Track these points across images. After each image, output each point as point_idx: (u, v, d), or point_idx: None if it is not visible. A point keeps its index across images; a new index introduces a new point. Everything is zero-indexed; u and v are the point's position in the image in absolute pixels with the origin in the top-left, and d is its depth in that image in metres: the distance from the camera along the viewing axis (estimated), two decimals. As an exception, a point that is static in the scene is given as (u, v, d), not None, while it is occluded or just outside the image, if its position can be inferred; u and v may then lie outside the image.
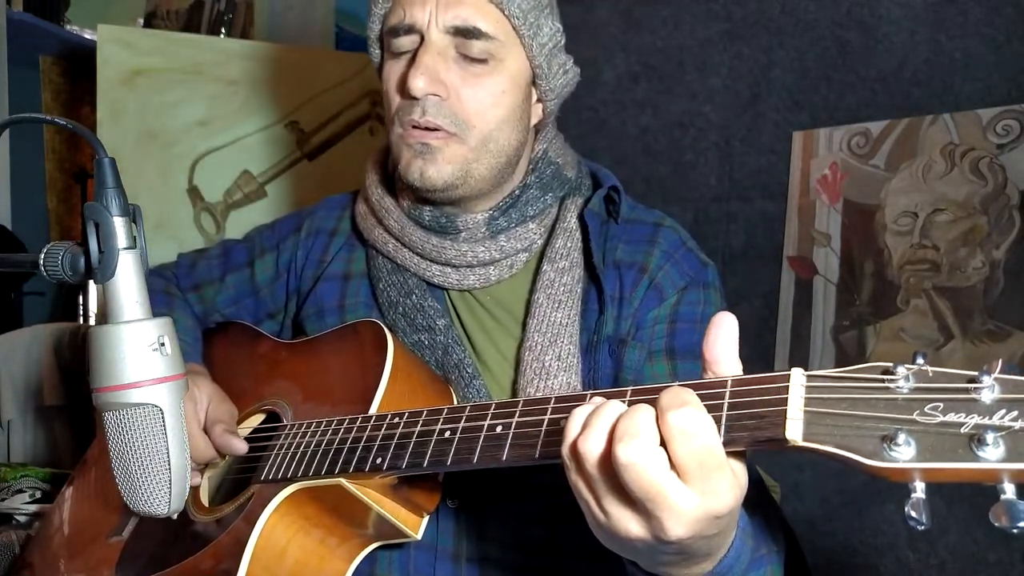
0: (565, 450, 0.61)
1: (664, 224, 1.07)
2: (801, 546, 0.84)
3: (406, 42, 0.96)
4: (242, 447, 0.95)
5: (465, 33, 0.94)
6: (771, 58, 1.96)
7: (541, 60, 1.00)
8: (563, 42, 1.04)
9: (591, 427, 0.59)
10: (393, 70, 0.99)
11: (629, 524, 0.58)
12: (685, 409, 0.55)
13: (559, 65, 1.03)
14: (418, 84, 0.93)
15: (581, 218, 1.04)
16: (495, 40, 0.95)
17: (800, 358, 1.90)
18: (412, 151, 0.97)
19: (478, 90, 0.96)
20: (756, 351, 1.96)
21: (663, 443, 0.56)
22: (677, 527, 0.56)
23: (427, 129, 0.95)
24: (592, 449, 0.58)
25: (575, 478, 0.61)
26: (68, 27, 2.55)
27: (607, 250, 1.03)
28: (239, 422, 1.03)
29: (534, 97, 1.03)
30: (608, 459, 0.57)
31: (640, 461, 0.55)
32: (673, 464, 0.56)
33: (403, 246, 1.05)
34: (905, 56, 1.78)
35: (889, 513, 1.69)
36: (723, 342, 0.63)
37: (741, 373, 0.62)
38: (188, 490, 0.69)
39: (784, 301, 1.93)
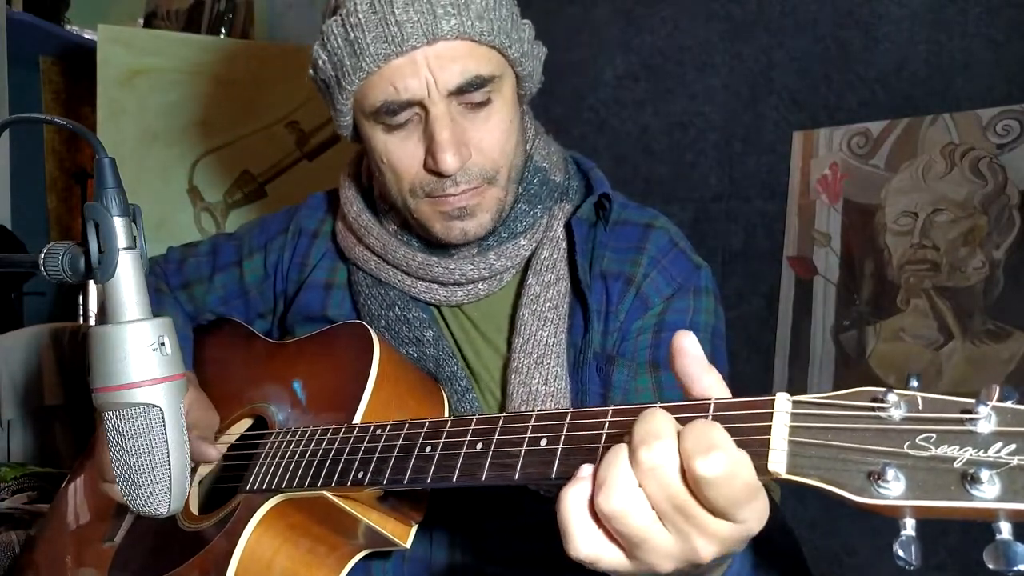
0: (579, 511, 0.55)
1: (655, 225, 1.02)
2: (801, 546, 0.83)
3: (404, 116, 0.90)
4: (213, 453, 0.93)
5: (467, 87, 0.89)
6: (771, 58, 1.96)
7: (527, 66, 0.96)
8: (531, 27, 0.98)
9: (612, 482, 0.53)
10: (394, 145, 0.93)
11: (662, 563, 0.54)
12: (715, 455, 0.50)
13: (536, 58, 0.99)
14: (452, 164, 0.88)
15: (568, 226, 1.00)
16: (495, 78, 0.91)
17: (800, 358, 1.90)
18: (448, 216, 0.94)
19: (493, 133, 0.92)
20: (756, 351, 1.96)
21: (689, 486, 0.51)
22: (709, 549, 0.53)
23: (462, 193, 0.92)
24: (625, 505, 0.53)
25: (596, 543, 0.55)
26: (68, 27, 2.55)
27: (594, 259, 0.99)
28: (227, 427, 1.02)
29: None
30: (645, 509, 0.53)
31: (662, 467, 0.51)
32: (705, 507, 0.51)
33: (387, 264, 1.02)
34: (905, 56, 1.78)
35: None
36: (690, 360, 0.58)
37: (717, 383, 0.58)
38: (188, 490, 0.69)
39: (784, 301, 1.93)
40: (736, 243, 2.01)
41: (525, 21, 0.96)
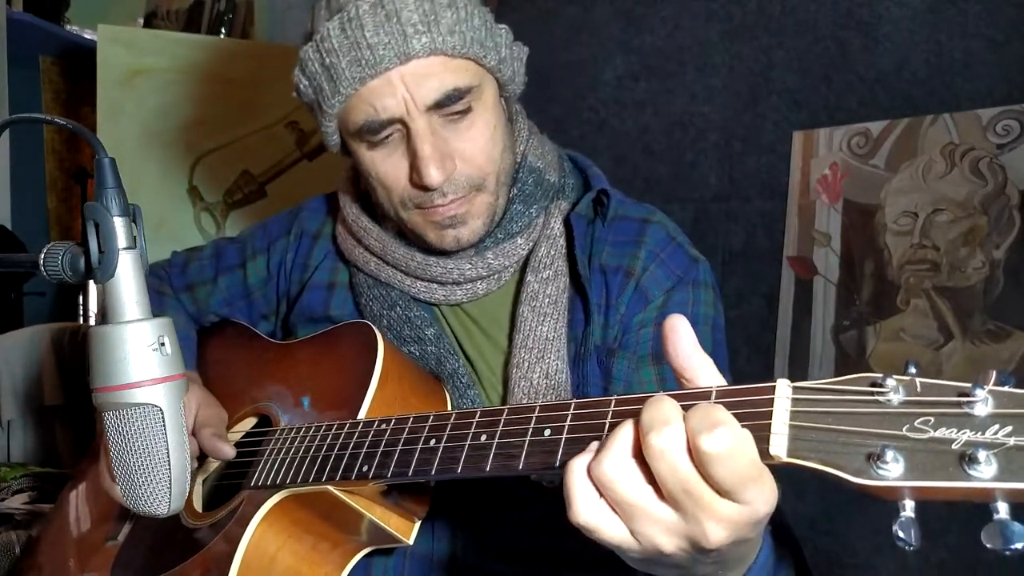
0: (581, 477, 0.56)
1: (652, 220, 1.03)
2: (801, 546, 0.83)
3: (386, 133, 0.91)
4: (230, 452, 0.94)
5: (445, 101, 0.89)
6: (771, 58, 1.96)
7: (506, 71, 0.96)
8: (508, 31, 0.97)
9: (608, 449, 0.55)
10: (380, 161, 0.94)
11: (664, 542, 0.55)
12: (719, 431, 0.51)
13: (516, 60, 0.99)
14: (436, 178, 0.89)
15: (566, 222, 1.01)
16: (473, 88, 0.91)
17: (800, 358, 1.90)
18: (440, 225, 0.95)
19: (476, 141, 0.93)
20: (756, 351, 1.96)
21: (696, 466, 0.52)
22: (719, 533, 0.53)
23: (451, 203, 0.93)
24: (616, 472, 0.55)
25: (597, 511, 0.56)
26: (68, 27, 2.55)
27: (593, 253, 1.00)
28: (231, 425, 1.03)
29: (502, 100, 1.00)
30: (637, 478, 0.54)
31: (669, 450, 0.52)
32: (712, 486, 0.52)
33: (386, 264, 1.03)
34: (905, 56, 1.78)
35: (889, 512, 1.69)
36: (683, 346, 0.59)
37: (708, 365, 0.59)
38: (188, 490, 0.69)
39: (784, 301, 1.93)
40: (736, 243, 2.01)
41: (501, 27, 0.97)
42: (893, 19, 1.79)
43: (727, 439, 0.51)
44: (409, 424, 0.77)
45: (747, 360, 1.96)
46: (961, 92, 1.71)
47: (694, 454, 0.52)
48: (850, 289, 1.85)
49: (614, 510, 0.56)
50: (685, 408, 0.54)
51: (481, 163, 0.94)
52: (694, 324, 0.61)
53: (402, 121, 0.90)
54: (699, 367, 0.59)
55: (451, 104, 0.89)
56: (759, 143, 1.98)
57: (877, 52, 1.81)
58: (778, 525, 0.81)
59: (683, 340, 0.59)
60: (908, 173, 1.77)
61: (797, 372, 1.90)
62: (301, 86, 0.96)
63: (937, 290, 1.74)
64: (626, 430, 0.56)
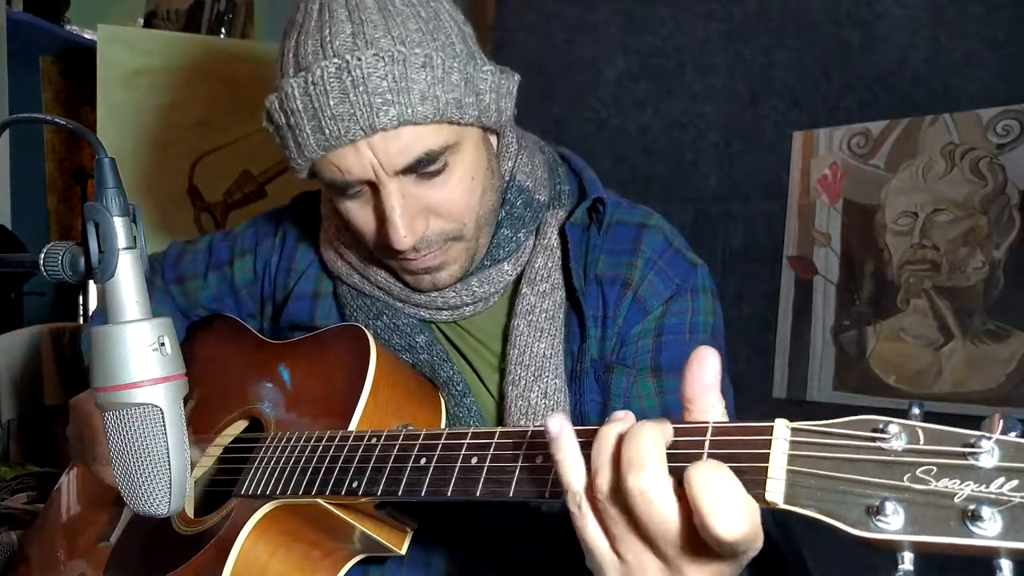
0: (576, 490, 0.58)
1: (649, 224, 0.99)
2: (801, 547, 0.83)
3: (354, 190, 0.87)
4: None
5: (417, 165, 0.83)
6: (771, 58, 1.96)
7: (491, 116, 0.89)
8: (493, 70, 0.89)
9: (599, 459, 0.56)
10: (352, 209, 0.90)
11: (648, 564, 0.56)
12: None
13: (503, 97, 0.91)
14: (405, 242, 0.85)
15: (562, 232, 0.97)
16: (449, 146, 0.85)
17: (800, 358, 1.90)
18: (415, 273, 0.92)
19: (451, 196, 0.87)
20: (756, 351, 1.96)
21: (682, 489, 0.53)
22: (695, 571, 0.54)
23: (424, 257, 0.90)
24: (602, 483, 0.55)
25: (586, 521, 0.58)
26: (68, 27, 2.55)
27: (588, 263, 0.96)
28: (222, 428, 1.01)
29: (489, 136, 0.94)
30: (619, 492, 0.54)
31: (651, 491, 0.53)
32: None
33: (369, 283, 1.01)
34: (905, 56, 1.78)
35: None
36: (701, 382, 0.58)
37: (722, 412, 0.58)
38: (188, 490, 0.68)
39: (784, 301, 1.93)
40: (736, 243, 2.01)
41: (486, 68, 0.88)
42: (893, 19, 1.79)
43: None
44: (400, 441, 0.76)
45: (747, 360, 1.96)
46: (961, 92, 1.71)
47: (691, 502, 0.52)
48: (850, 289, 1.85)
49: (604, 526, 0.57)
50: (679, 444, 0.55)
51: (457, 214, 0.89)
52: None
53: (370, 182, 0.86)
54: (708, 405, 0.58)
55: (423, 167, 0.84)
56: (759, 143, 1.98)
57: (877, 52, 1.81)
58: (778, 527, 0.81)
59: (705, 375, 0.58)
60: (908, 173, 1.77)
61: (797, 372, 1.89)
62: (270, 128, 0.91)
63: (937, 290, 1.74)
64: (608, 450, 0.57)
